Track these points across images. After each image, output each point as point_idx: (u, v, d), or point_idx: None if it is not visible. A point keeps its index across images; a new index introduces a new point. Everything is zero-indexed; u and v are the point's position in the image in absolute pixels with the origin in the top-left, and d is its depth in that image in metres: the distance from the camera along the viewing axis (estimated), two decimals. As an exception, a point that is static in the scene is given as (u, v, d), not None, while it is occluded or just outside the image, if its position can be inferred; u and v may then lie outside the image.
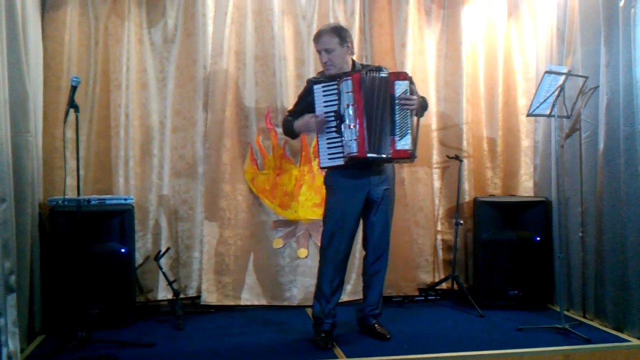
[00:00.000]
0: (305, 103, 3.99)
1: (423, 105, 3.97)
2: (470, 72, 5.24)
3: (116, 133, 4.66)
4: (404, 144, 3.76)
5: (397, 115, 3.75)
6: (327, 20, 4.93)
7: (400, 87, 3.76)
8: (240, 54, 4.88)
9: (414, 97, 3.79)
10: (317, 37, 3.96)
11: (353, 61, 4.04)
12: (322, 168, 3.94)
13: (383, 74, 3.79)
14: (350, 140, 3.71)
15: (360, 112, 3.70)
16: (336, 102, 3.76)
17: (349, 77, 3.73)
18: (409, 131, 3.78)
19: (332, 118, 3.77)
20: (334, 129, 3.77)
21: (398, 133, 3.75)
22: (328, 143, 3.81)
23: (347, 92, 3.72)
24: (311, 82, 3.95)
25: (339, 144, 3.77)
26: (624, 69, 4.01)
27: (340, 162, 3.79)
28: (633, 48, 3.93)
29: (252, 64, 4.90)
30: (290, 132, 4.06)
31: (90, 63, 4.69)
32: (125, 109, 4.66)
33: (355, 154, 3.70)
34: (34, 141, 4.08)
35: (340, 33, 3.92)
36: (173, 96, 4.84)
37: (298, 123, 3.96)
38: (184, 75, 4.84)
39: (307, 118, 3.86)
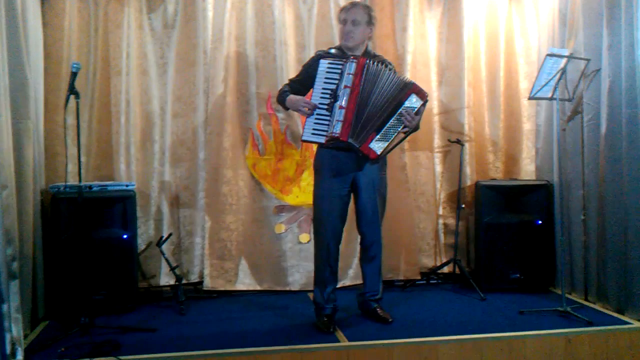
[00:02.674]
0: (306, 74, 3.97)
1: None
2: (471, 56, 5.20)
3: (117, 119, 4.66)
4: (377, 147, 3.75)
5: (392, 121, 3.74)
6: (328, 4, 4.92)
7: (413, 102, 3.73)
8: (240, 39, 4.86)
9: (418, 117, 3.77)
10: (349, 7, 3.98)
11: (367, 46, 4.05)
12: (302, 141, 3.93)
13: (407, 80, 3.79)
14: (337, 120, 3.70)
15: (355, 97, 3.69)
16: (337, 81, 3.73)
17: (354, 60, 3.72)
18: (390, 139, 3.77)
19: (328, 95, 3.74)
20: (326, 106, 3.75)
21: (380, 135, 3.74)
22: (316, 118, 3.77)
23: (349, 74, 3.70)
24: (319, 56, 3.92)
25: (327, 122, 3.74)
26: (626, 51, 3.99)
27: (322, 140, 3.77)
28: (635, 30, 3.91)
29: (253, 49, 4.88)
30: (282, 103, 4.03)
31: (90, 49, 4.67)
32: (126, 95, 4.65)
33: (337, 135, 3.70)
34: (35, 128, 4.08)
35: (370, 13, 3.99)
36: (173, 82, 4.83)
37: (291, 99, 3.92)
38: (184, 61, 4.82)
39: (301, 102, 3.83)
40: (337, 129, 3.70)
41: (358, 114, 3.70)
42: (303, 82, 3.98)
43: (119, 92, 4.65)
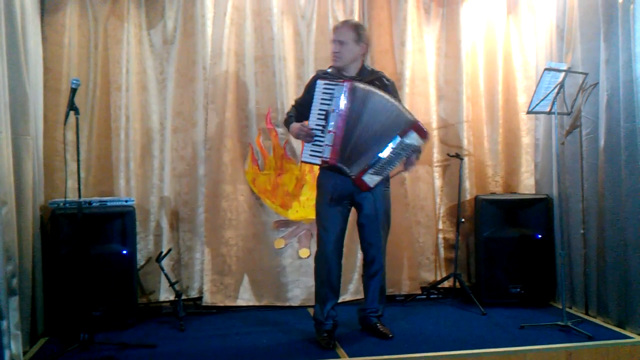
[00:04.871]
0: (307, 95, 3.96)
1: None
2: (470, 70, 5.23)
3: (117, 135, 4.67)
4: (370, 180, 3.76)
5: (387, 156, 3.73)
6: (327, 19, 4.94)
7: (412, 139, 3.73)
8: (239, 55, 4.88)
9: (412, 162, 3.85)
10: (338, 27, 3.98)
11: (363, 63, 4.00)
12: (302, 162, 3.94)
13: (408, 116, 3.75)
14: (327, 145, 3.72)
15: (343, 121, 3.69)
16: (330, 102, 3.73)
17: (344, 83, 3.72)
18: (384, 173, 3.78)
19: (323, 117, 3.74)
20: (321, 129, 3.75)
21: (374, 168, 3.75)
22: (313, 140, 3.80)
23: (338, 97, 3.71)
24: (317, 76, 3.91)
25: (322, 144, 3.76)
26: (624, 65, 4.01)
27: (318, 162, 3.79)
28: (633, 44, 3.92)
29: (252, 65, 4.90)
30: (288, 128, 4.06)
31: (90, 65, 4.68)
32: (126, 111, 4.66)
33: (327, 159, 3.72)
34: (35, 144, 4.09)
35: (358, 31, 3.92)
36: (173, 97, 4.84)
37: (292, 128, 3.95)
38: (184, 77, 4.84)
39: (299, 127, 3.85)
40: (327, 153, 3.72)
41: (346, 139, 3.70)
42: (305, 102, 3.96)
43: (119, 107, 4.66)
